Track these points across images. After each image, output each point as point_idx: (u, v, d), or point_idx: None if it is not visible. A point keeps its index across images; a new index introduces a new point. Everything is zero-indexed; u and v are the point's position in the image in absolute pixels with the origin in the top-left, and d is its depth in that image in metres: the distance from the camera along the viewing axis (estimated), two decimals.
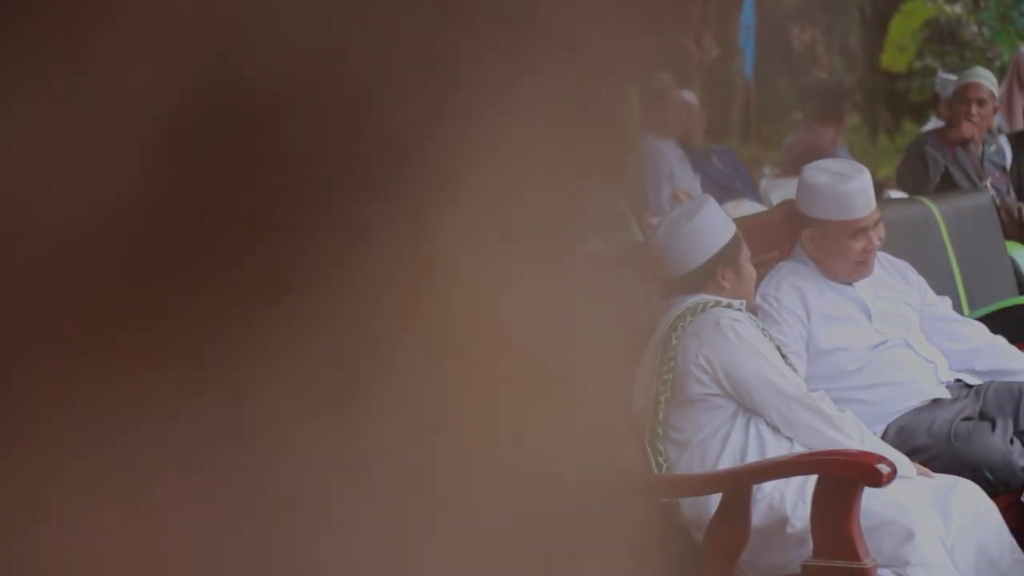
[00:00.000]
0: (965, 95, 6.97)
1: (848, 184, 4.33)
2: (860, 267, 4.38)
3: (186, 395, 0.46)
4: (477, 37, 0.49)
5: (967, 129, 6.90)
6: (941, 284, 5.31)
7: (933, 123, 8.53)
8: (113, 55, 0.44)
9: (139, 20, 0.45)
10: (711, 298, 3.88)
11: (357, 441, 0.49)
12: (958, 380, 4.48)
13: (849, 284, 4.41)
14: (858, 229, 4.33)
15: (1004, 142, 7.33)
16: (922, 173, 6.81)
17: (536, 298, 0.52)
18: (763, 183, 8.69)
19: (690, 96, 8.68)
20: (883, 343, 4.36)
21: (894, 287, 4.55)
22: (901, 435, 4.23)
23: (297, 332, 0.47)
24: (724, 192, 7.99)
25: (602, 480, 0.57)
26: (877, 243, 4.37)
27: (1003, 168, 7.10)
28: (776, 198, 6.96)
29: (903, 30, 13.93)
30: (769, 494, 3.67)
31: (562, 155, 0.52)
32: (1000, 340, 4.66)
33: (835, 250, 4.35)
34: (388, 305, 0.49)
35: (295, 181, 0.46)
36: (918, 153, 6.90)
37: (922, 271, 4.78)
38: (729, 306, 3.87)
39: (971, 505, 3.80)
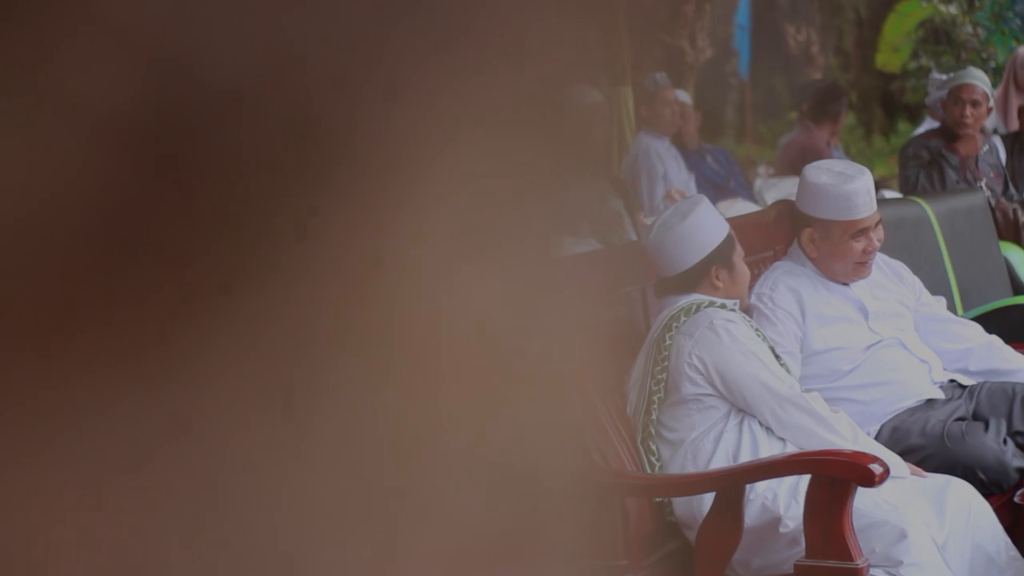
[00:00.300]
0: (959, 96, 6.97)
1: (851, 184, 4.33)
2: (859, 268, 4.38)
3: (132, 392, 0.46)
4: (431, 37, 0.49)
5: (981, 144, 6.92)
6: (935, 284, 5.32)
7: (928, 124, 8.53)
8: (63, 56, 0.44)
9: (88, 22, 0.44)
10: (705, 298, 3.88)
11: (306, 439, 0.48)
12: (952, 380, 4.48)
13: (845, 284, 4.41)
14: (859, 230, 4.33)
15: (998, 142, 7.34)
16: (937, 185, 6.81)
17: (490, 295, 0.52)
18: (757, 183, 8.70)
19: (684, 96, 8.69)
20: (878, 343, 4.36)
21: (889, 287, 4.55)
22: (895, 435, 4.23)
23: (247, 329, 0.47)
24: (719, 192, 8.00)
25: (563, 477, 0.57)
26: (877, 244, 4.38)
27: (998, 168, 7.11)
28: (771, 198, 6.97)
29: (898, 30, 13.93)
30: (762, 494, 3.67)
31: (520, 155, 0.52)
32: (995, 340, 4.66)
33: (836, 251, 4.36)
34: (339, 303, 0.48)
35: (246, 180, 0.46)
36: (935, 165, 6.88)
37: (916, 271, 4.79)
38: (723, 306, 3.87)
39: (965, 503, 3.80)
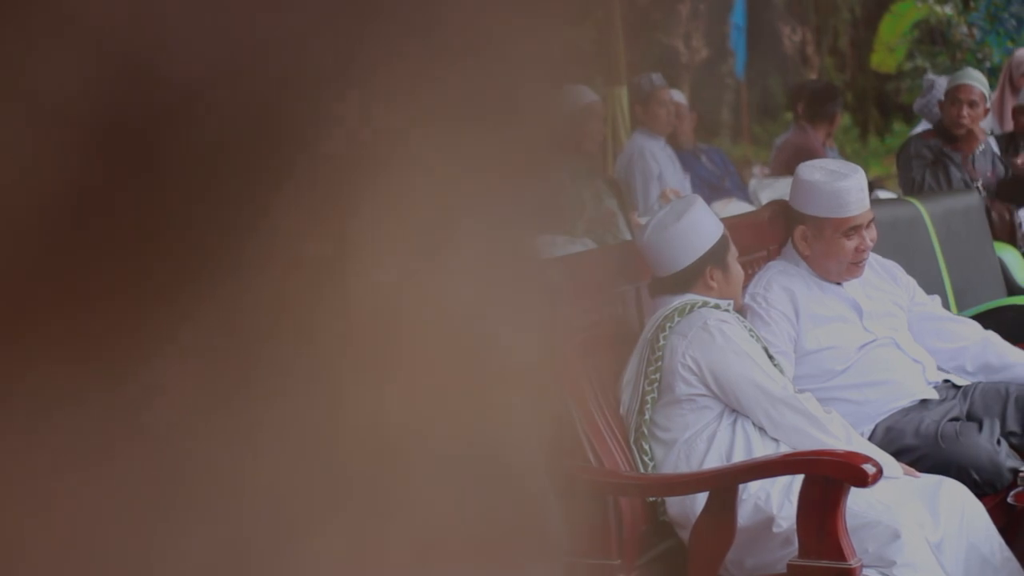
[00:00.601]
0: (956, 96, 6.97)
1: (843, 182, 4.33)
2: (852, 268, 4.37)
3: (87, 388, 0.45)
4: (390, 35, 0.49)
5: (981, 135, 6.93)
6: (930, 285, 5.31)
7: (924, 124, 8.53)
8: (17, 51, 0.44)
9: (43, 17, 0.44)
10: (699, 298, 3.88)
11: (259, 435, 0.48)
12: (946, 381, 4.48)
13: (839, 284, 4.41)
14: (851, 227, 4.33)
15: (993, 143, 7.34)
16: (943, 184, 6.81)
17: (460, 293, 0.52)
18: (752, 183, 8.70)
19: (679, 96, 8.69)
20: (872, 342, 4.36)
21: (883, 287, 4.55)
22: (888, 435, 4.23)
23: (199, 326, 0.47)
24: (714, 192, 8.00)
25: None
26: (869, 243, 4.37)
27: (994, 168, 7.11)
28: (765, 198, 6.97)
29: (893, 31, 13.93)
30: (755, 494, 3.67)
31: (480, 153, 0.51)
32: (992, 335, 4.65)
33: (828, 249, 4.35)
34: (293, 300, 0.48)
35: (200, 179, 0.46)
36: (940, 164, 6.88)
37: (911, 271, 4.78)
38: (717, 307, 3.87)
39: (958, 504, 3.80)
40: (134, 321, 0.45)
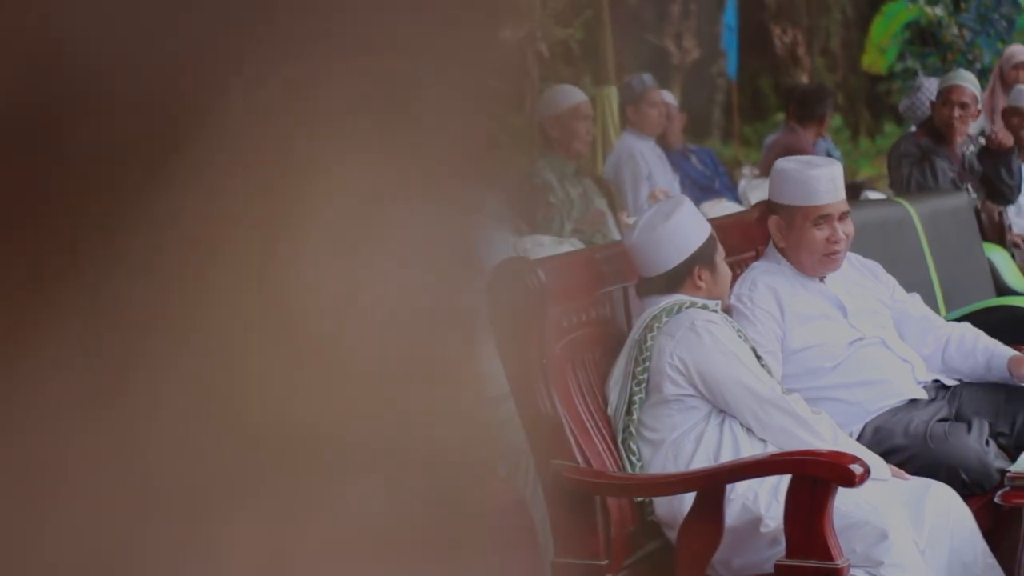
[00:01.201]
0: (948, 98, 6.97)
1: (814, 171, 4.33)
2: (825, 260, 4.35)
3: None
4: (283, 35, 0.48)
5: (963, 133, 6.93)
6: (919, 285, 5.31)
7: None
8: None
9: None
10: (687, 299, 3.87)
11: (129, 432, 0.48)
12: (935, 381, 4.47)
13: (821, 281, 4.40)
14: (821, 216, 4.31)
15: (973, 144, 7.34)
16: (930, 179, 6.81)
17: (320, 288, 0.51)
18: (742, 183, 8.70)
19: (669, 97, 8.69)
20: (859, 340, 4.35)
21: (865, 284, 4.55)
22: (877, 435, 4.23)
23: (76, 323, 0.46)
24: (704, 192, 8.01)
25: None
26: (842, 236, 4.34)
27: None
28: (755, 198, 6.96)
29: (884, 32, 13.93)
30: (743, 494, 3.67)
31: (374, 153, 0.51)
32: (957, 331, 4.61)
33: (799, 239, 4.34)
34: (176, 296, 0.48)
35: (85, 174, 0.45)
36: (927, 160, 6.87)
37: (899, 272, 4.77)
38: (704, 307, 3.86)
39: (944, 508, 3.80)
40: (22, 316, 0.45)
